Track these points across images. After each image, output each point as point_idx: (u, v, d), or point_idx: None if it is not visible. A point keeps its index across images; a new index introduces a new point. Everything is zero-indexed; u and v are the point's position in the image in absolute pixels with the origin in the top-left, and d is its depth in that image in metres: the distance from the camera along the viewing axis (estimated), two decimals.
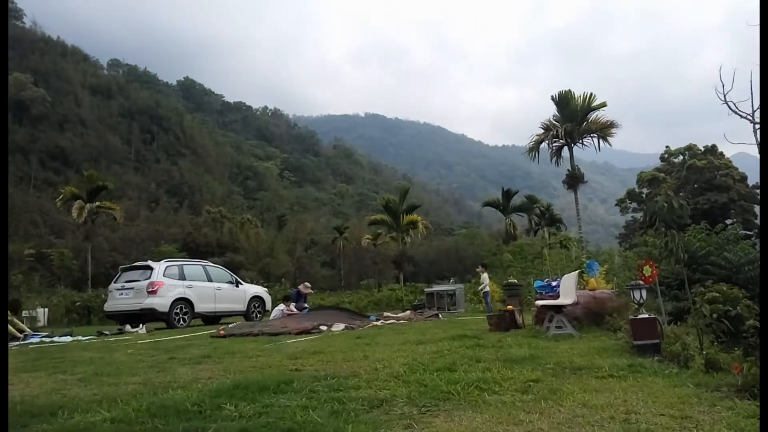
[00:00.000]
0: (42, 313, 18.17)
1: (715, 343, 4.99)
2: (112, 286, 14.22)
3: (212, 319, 14.83)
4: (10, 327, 10.57)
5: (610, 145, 23.61)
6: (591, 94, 23.37)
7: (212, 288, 14.43)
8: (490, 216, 67.08)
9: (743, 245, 9.79)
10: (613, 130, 22.94)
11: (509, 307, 9.29)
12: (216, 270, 15.62)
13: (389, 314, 13.39)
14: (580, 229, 23.45)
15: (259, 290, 16.78)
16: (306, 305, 14.43)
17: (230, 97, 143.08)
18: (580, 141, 23.20)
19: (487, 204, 39.38)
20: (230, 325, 11.69)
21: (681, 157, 45.85)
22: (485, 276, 14.48)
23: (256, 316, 15.59)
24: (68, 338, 10.80)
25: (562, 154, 23.84)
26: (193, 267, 15.00)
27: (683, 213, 4.75)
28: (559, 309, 7.45)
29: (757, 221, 34.94)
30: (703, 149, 44.46)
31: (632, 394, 3.58)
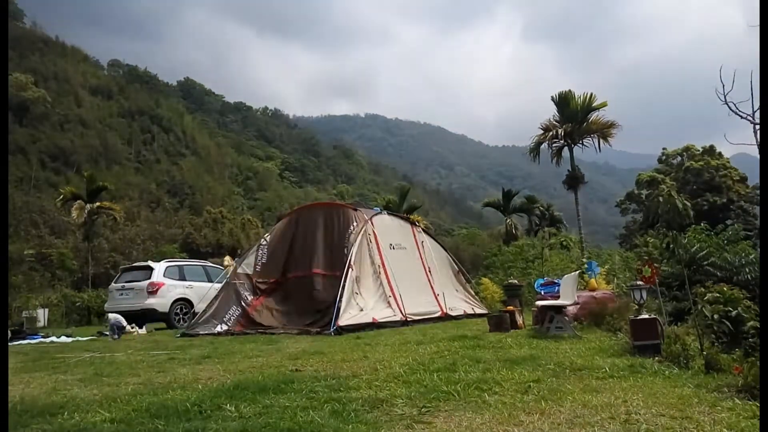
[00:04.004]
0: (42, 314, 18.16)
1: (715, 344, 4.99)
2: (113, 286, 14.25)
3: None
4: None
5: (610, 145, 23.52)
6: (591, 94, 23.24)
7: (213, 288, 14.41)
8: (491, 216, 67.00)
9: (743, 245, 9.82)
10: (614, 131, 22.83)
11: (509, 307, 9.29)
12: (216, 270, 15.60)
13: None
14: (581, 230, 23.34)
15: None
16: None
17: (230, 98, 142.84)
18: (581, 141, 23.10)
19: (488, 205, 39.27)
20: None
21: (679, 158, 45.85)
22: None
23: None
24: (68, 338, 10.81)
25: (563, 154, 23.75)
26: (193, 267, 15.01)
27: (686, 213, 4.75)
28: (559, 309, 7.45)
29: (757, 222, 34.90)
30: (700, 149, 44.43)
31: (632, 395, 3.58)
